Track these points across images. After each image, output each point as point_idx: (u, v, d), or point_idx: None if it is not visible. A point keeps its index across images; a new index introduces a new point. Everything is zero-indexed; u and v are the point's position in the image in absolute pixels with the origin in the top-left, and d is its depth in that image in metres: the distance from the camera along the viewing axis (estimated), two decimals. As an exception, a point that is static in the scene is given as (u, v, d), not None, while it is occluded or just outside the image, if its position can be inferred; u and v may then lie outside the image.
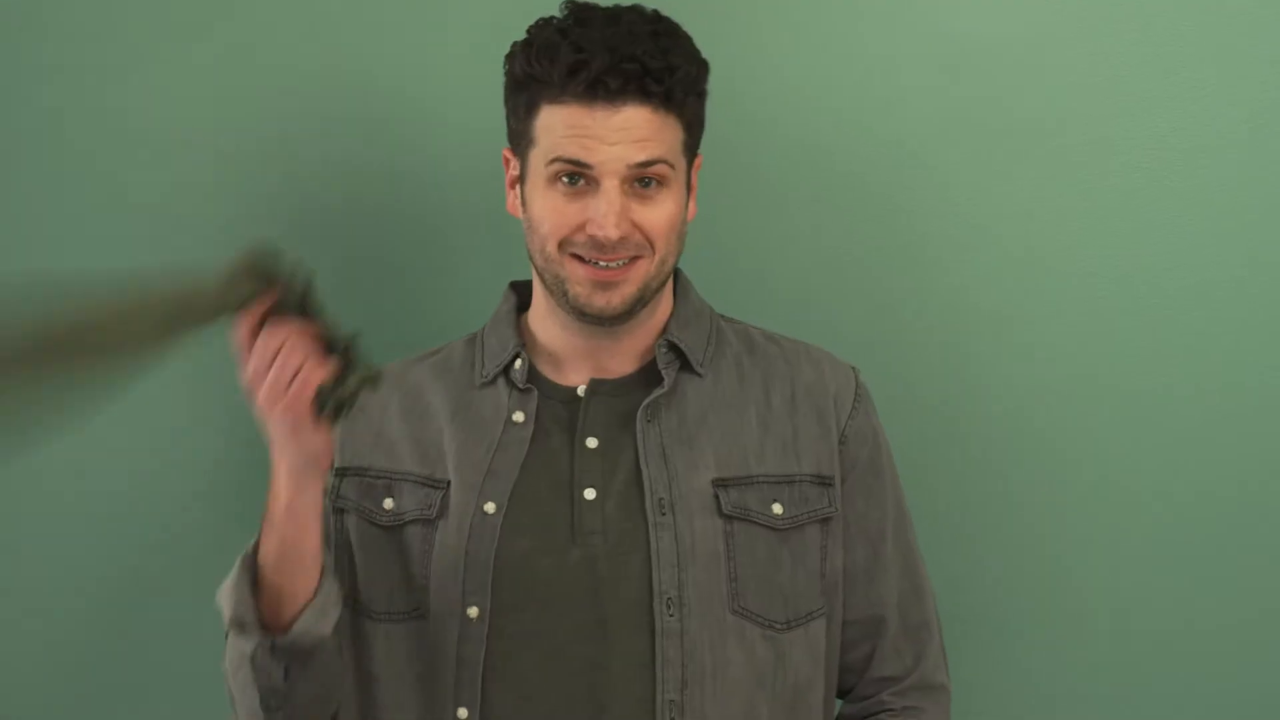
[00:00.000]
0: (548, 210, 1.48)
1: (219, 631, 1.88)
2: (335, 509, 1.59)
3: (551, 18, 1.49)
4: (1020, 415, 1.84)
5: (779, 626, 1.52)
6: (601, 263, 1.48)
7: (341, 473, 1.60)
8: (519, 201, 1.54)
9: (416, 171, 1.88)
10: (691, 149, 1.53)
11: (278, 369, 1.37)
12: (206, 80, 1.89)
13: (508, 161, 1.56)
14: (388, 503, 1.56)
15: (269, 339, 1.38)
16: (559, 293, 1.51)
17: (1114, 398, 1.82)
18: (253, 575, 1.45)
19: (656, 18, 1.49)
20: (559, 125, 1.45)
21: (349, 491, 1.59)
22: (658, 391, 1.54)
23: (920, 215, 1.84)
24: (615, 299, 1.49)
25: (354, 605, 1.57)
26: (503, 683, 1.49)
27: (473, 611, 1.50)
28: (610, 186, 1.45)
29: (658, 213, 1.48)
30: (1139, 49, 1.79)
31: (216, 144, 1.89)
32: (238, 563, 1.46)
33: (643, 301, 1.51)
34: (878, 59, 1.82)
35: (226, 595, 1.46)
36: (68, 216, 1.92)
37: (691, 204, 1.56)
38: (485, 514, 1.52)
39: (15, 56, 1.90)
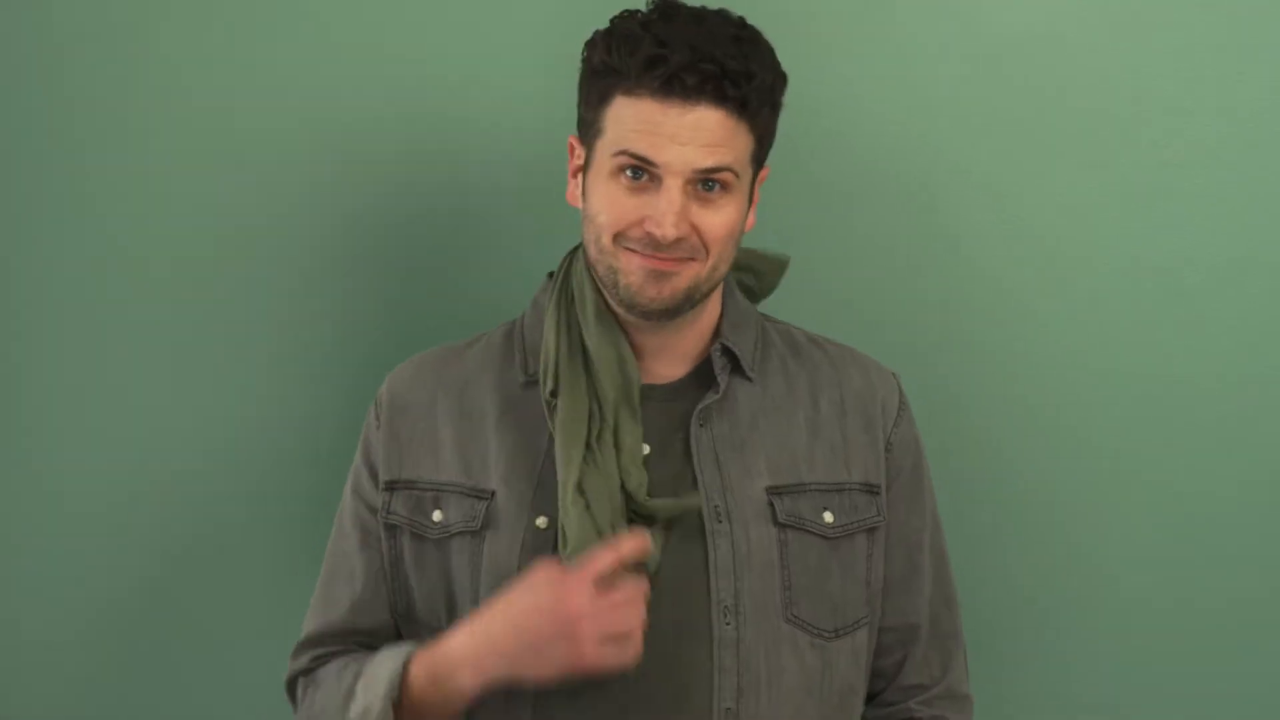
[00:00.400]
0: (607, 202, 1.46)
1: (227, 636, 1.88)
2: (387, 525, 1.56)
3: (636, 11, 1.47)
4: (1059, 414, 1.85)
5: (827, 635, 1.52)
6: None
7: (391, 486, 1.56)
8: (579, 191, 1.52)
9: (448, 160, 1.88)
10: (759, 160, 1.51)
11: (623, 622, 1.39)
12: (254, 78, 1.89)
13: (572, 149, 1.53)
14: (436, 515, 1.53)
15: (636, 593, 1.40)
16: (610, 284, 1.49)
17: (1153, 393, 1.84)
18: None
19: (742, 24, 1.47)
20: (630, 118, 1.43)
21: (399, 507, 1.55)
22: (711, 397, 1.53)
23: (956, 213, 1.85)
24: (665, 290, 1.46)
25: (411, 620, 1.56)
26: (558, 694, 1.46)
27: None
28: (672, 186, 1.43)
29: (718, 218, 1.46)
30: (1175, 46, 1.81)
31: (264, 138, 1.89)
32: (389, 686, 1.46)
33: (691, 302, 1.49)
34: (912, 55, 1.83)
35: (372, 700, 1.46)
36: (130, 209, 1.89)
37: (751, 215, 1.55)
38: (538, 529, 1.49)
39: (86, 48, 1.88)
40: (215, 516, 1.91)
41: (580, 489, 1.45)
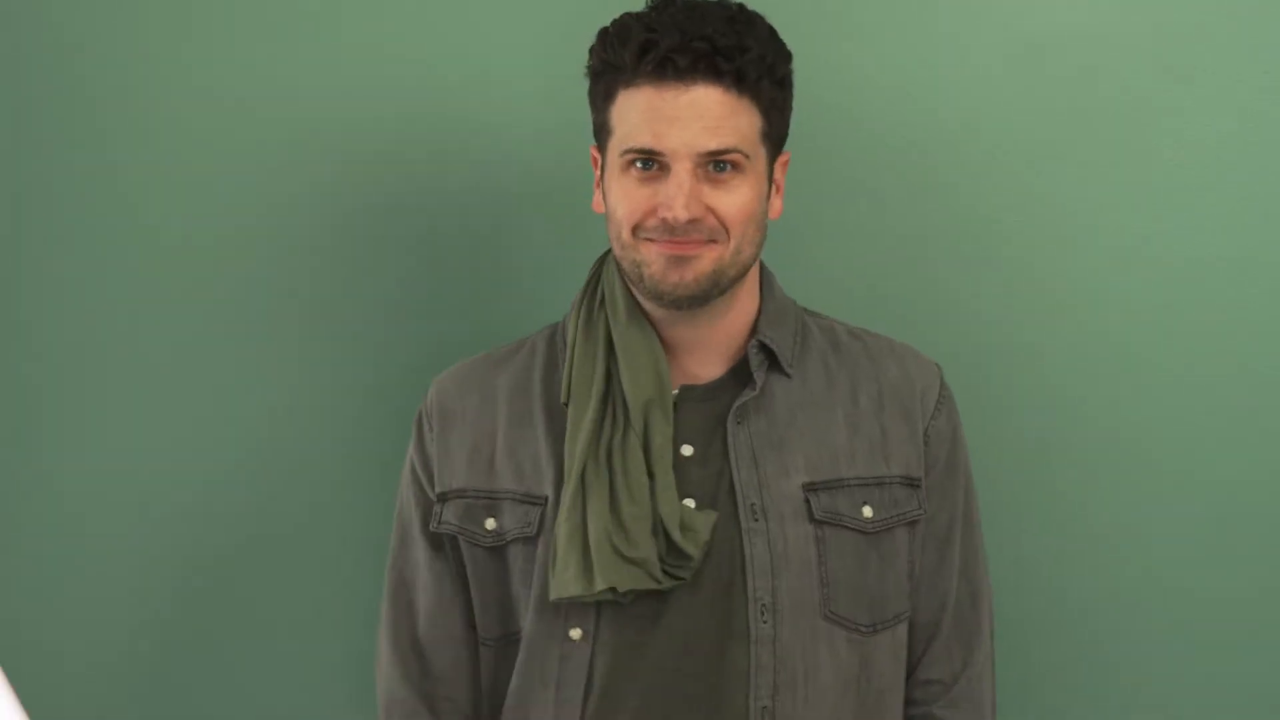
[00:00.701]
0: (622, 196, 1.47)
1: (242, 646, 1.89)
2: (446, 535, 1.57)
3: (640, 11, 1.48)
4: (1107, 414, 1.83)
5: (865, 630, 1.52)
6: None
7: (443, 497, 1.57)
8: (603, 196, 1.53)
9: (472, 164, 1.88)
10: (772, 140, 1.50)
11: None
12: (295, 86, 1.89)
13: (595, 161, 1.55)
14: (489, 523, 1.54)
15: None
16: (636, 278, 1.49)
17: (1189, 388, 1.82)
18: None
19: (740, 9, 1.48)
20: (631, 111, 1.45)
21: (450, 516, 1.56)
22: (748, 394, 1.52)
23: (1001, 207, 1.83)
24: (688, 274, 1.46)
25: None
26: (599, 695, 1.48)
27: (575, 633, 1.49)
28: (680, 170, 1.43)
29: (732, 198, 1.45)
30: (1223, 36, 1.78)
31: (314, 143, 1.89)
32: None
33: (718, 286, 1.48)
34: (955, 47, 1.82)
35: None
36: (185, 205, 1.89)
37: (778, 202, 1.55)
38: None
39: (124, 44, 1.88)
40: (246, 525, 1.92)
41: (580, 502, 1.46)
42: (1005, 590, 1.71)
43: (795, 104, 1.54)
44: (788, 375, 1.55)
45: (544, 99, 1.83)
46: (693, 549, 1.45)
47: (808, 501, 1.50)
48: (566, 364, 1.54)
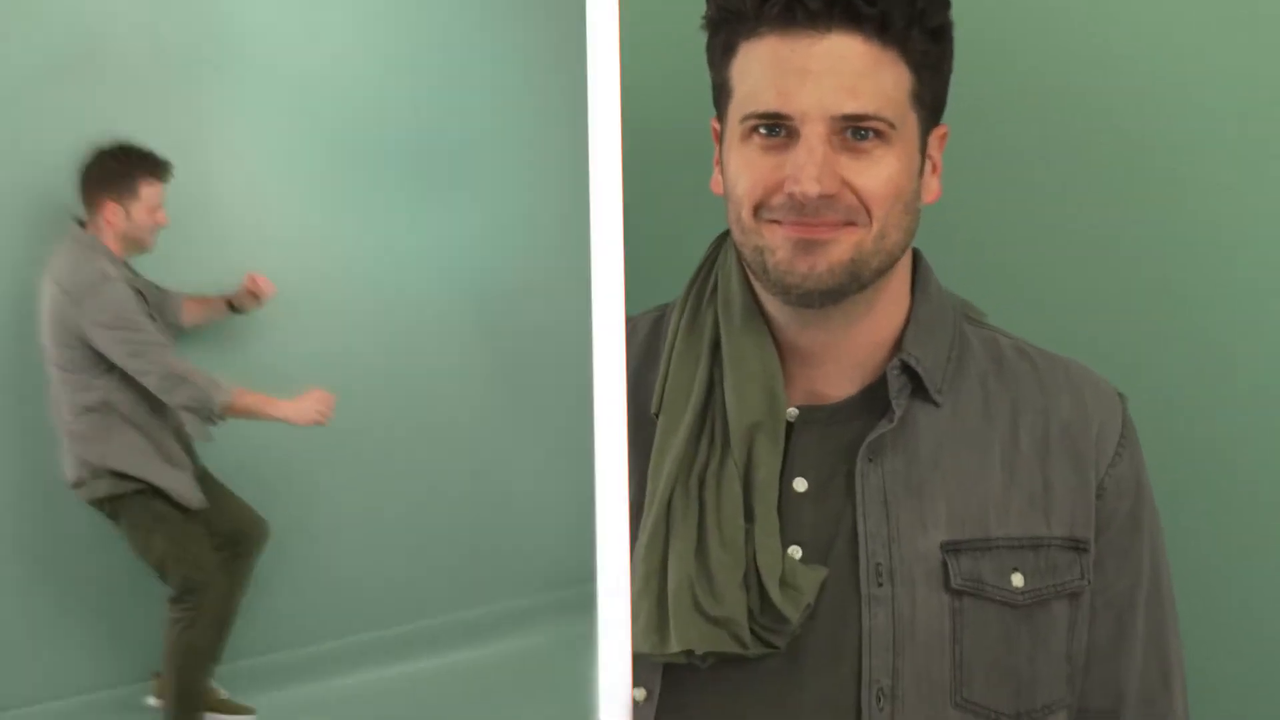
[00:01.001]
0: (743, 166, 1.27)
1: None
2: None
3: None
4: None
5: (1007, 719, 1.27)
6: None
7: None
8: (721, 173, 1.32)
9: None
10: (926, 104, 1.27)
11: None
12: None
13: (716, 133, 1.33)
14: None
15: None
16: (759, 268, 1.28)
17: None
18: None
19: None
20: (754, 65, 1.25)
21: None
22: (885, 426, 1.28)
23: (1215, 202, 1.57)
24: (820, 264, 1.24)
25: None
26: None
27: (639, 694, 1.27)
28: (811, 134, 1.22)
29: (875, 171, 1.24)
30: None
31: None
32: None
33: (857, 280, 1.26)
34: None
35: None
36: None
37: (935, 183, 1.32)
38: None
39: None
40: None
41: (662, 539, 1.26)
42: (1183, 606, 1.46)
43: (965, 61, 1.31)
44: (935, 404, 1.31)
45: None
46: (792, 612, 1.23)
47: (945, 564, 1.26)
48: (663, 365, 1.33)
